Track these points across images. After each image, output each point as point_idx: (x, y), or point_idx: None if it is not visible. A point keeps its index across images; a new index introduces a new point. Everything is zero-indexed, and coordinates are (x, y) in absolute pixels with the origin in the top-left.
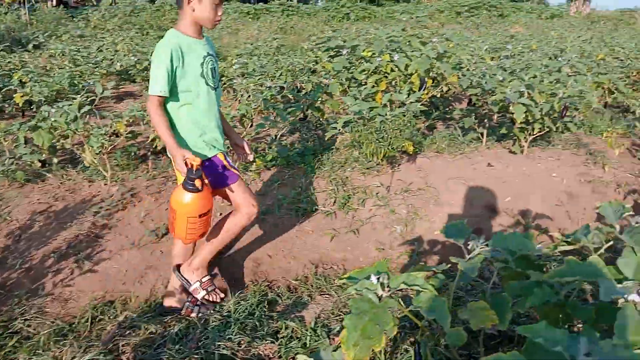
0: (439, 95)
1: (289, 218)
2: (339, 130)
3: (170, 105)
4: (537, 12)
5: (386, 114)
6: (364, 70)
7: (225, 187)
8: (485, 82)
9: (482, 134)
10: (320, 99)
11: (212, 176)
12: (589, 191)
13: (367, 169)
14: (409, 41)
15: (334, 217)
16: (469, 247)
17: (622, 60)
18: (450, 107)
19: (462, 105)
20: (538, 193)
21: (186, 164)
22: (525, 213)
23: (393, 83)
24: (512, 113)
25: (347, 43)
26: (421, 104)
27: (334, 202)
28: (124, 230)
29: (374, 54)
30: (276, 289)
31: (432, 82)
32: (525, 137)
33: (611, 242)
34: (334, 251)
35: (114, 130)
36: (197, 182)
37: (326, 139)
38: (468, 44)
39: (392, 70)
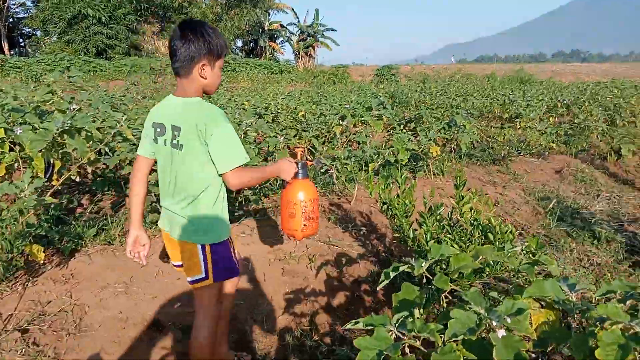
0: (78, 180)
1: None
2: None
3: (215, 178)
4: (267, 67)
5: None
6: None
7: (225, 280)
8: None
9: None
10: None
11: (224, 261)
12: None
13: None
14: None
15: None
16: None
17: (324, 115)
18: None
19: None
20: None
21: (294, 156)
22: None
23: (17, 166)
24: None
25: None
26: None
27: None
28: None
29: None
30: None
31: (63, 163)
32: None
33: None
34: None
35: None
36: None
37: None
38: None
39: (11, 149)
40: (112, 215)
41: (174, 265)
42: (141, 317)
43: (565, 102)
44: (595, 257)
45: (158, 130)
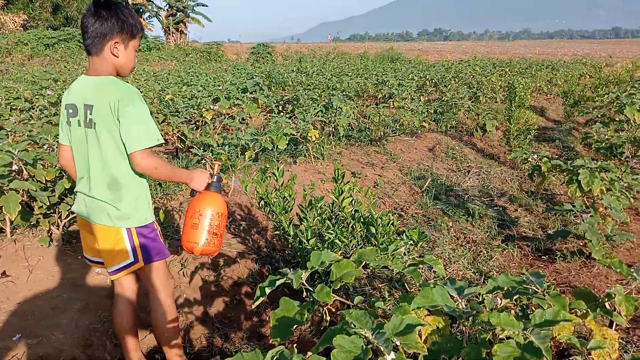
0: None
1: None
2: None
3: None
4: None
5: None
6: None
7: (157, 261)
8: None
9: None
10: None
11: (152, 243)
12: None
13: None
14: None
15: None
16: None
17: (196, 98)
18: None
19: None
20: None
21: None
22: None
23: None
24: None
25: None
26: None
27: None
28: None
29: None
30: None
31: None
32: (55, 223)
33: None
34: None
35: None
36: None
37: None
38: None
39: None
40: None
41: (88, 260)
42: None
43: (433, 80)
44: (470, 234)
45: (70, 111)
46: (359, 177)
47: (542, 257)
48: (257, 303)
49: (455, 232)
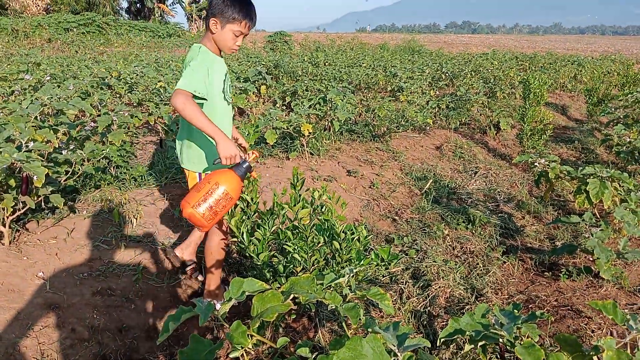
0: None
1: None
2: None
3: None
4: (153, 31)
5: None
6: None
7: None
8: None
9: None
10: None
11: None
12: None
13: None
14: None
15: None
16: None
17: None
18: None
19: None
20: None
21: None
22: None
23: None
24: None
25: None
26: None
27: None
28: None
29: None
30: None
31: None
32: (1, 220)
33: None
34: None
35: None
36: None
37: None
38: None
39: None
40: None
41: None
42: None
43: (448, 74)
44: (468, 244)
45: None
46: (355, 176)
47: (546, 273)
48: (161, 340)
49: (451, 241)
